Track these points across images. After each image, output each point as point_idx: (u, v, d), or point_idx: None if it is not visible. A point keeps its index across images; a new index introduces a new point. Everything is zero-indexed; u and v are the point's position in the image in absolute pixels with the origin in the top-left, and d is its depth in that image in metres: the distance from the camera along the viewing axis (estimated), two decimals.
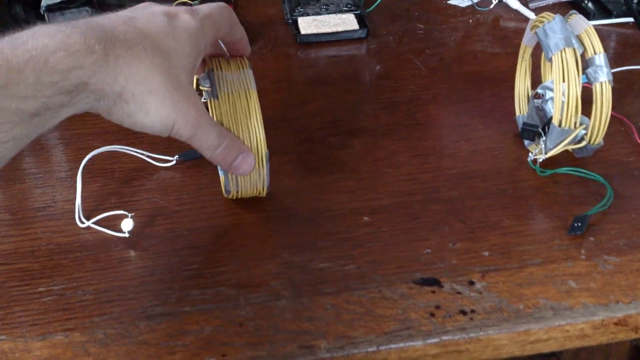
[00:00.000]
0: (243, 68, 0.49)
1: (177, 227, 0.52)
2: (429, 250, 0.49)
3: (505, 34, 0.78)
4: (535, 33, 0.53)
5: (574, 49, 0.51)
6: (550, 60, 0.51)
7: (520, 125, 0.59)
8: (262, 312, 0.45)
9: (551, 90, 0.56)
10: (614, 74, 0.68)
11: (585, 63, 0.52)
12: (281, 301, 0.45)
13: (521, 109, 0.61)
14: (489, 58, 0.74)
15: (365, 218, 0.52)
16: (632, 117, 0.61)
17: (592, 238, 0.49)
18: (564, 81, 0.50)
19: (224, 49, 0.51)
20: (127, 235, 0.50)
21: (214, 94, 0.48)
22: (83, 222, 0.52)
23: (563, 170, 0.55)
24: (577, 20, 0.53)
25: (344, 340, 0.42)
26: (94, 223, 0.52)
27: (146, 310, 0.45)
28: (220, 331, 0.43)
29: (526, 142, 0.58)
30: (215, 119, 0.47)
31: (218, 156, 0.46)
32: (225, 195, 0.53)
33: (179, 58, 0.42)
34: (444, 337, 0.43)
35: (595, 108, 0.51)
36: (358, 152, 0.59)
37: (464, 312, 0.44)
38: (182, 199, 0.55)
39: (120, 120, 0.40)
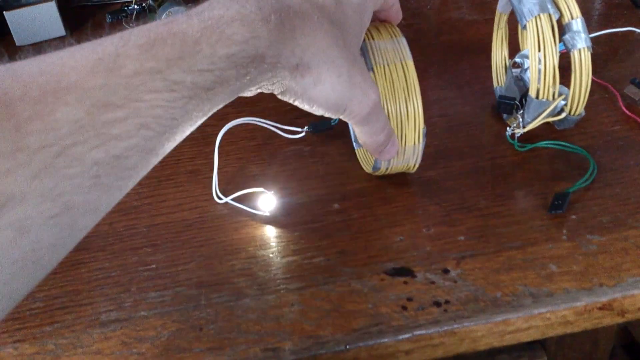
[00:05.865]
0: (396, 37, 0.45)
1: (136, 224, 0.49)
2: (402, 238, 0.46)
3: (484, 0, 0.75)
4: None
5: (550, 15, 0.47)
6: (524, 27, 0.48)
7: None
8: (224, 313, 0.42)
9: (529, 58, 0.52)
10: (597, 37, 0.65)
11: (563, 29, 0.49)
12: (245, 300, 0.43)
13: (499, 79, 0.58)
14: (467, 26, 0.71)
15: (336, 205, 0.49)
16: (617, 83, 0.58)
17: (574, 216, 0.46)
18: (539, 50, 0.47)
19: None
20: (267, 214, 0.49)
21: (369, 66, 0.44)
22: (221, 199, 0.50)
23: (543, 144, 0.52)
24: None
25: (310, 340, 0.40)
26: (232, 200, 0.50)
27: (100, 316, 0.42)
28: (178, 336, 0.41)
29: (504, 115, 0.55)
30: None
31: (376, 142, 0.42)
32: (371, 171, 0.50)
33: (350, 33, 0.39)
34: (417, 332, 0.40)
35: (575, 77, 0.48)
36: (328, 134, 0.56)
37: (437, 304, 0.41)
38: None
39: (293, 95, 0.37)
